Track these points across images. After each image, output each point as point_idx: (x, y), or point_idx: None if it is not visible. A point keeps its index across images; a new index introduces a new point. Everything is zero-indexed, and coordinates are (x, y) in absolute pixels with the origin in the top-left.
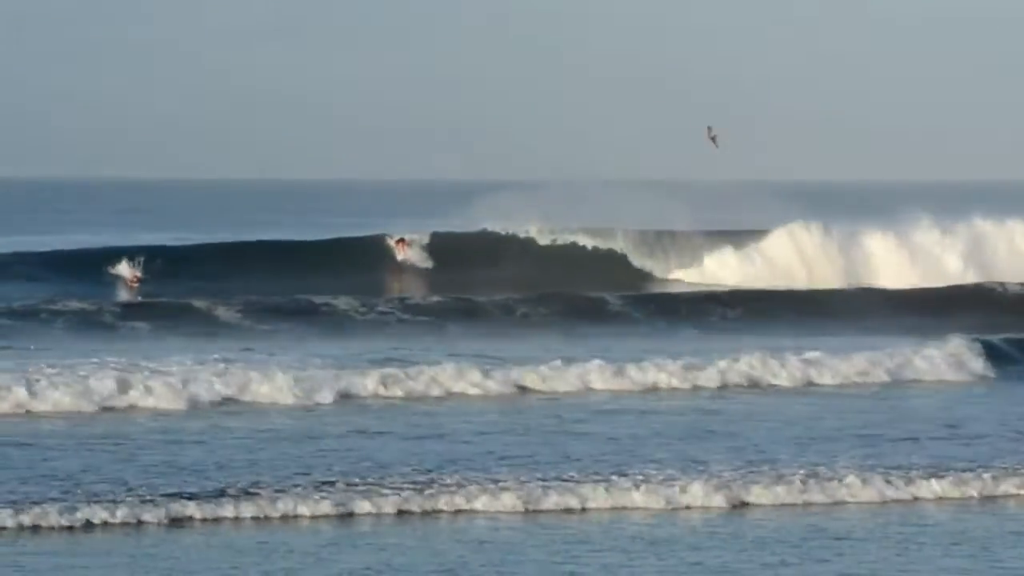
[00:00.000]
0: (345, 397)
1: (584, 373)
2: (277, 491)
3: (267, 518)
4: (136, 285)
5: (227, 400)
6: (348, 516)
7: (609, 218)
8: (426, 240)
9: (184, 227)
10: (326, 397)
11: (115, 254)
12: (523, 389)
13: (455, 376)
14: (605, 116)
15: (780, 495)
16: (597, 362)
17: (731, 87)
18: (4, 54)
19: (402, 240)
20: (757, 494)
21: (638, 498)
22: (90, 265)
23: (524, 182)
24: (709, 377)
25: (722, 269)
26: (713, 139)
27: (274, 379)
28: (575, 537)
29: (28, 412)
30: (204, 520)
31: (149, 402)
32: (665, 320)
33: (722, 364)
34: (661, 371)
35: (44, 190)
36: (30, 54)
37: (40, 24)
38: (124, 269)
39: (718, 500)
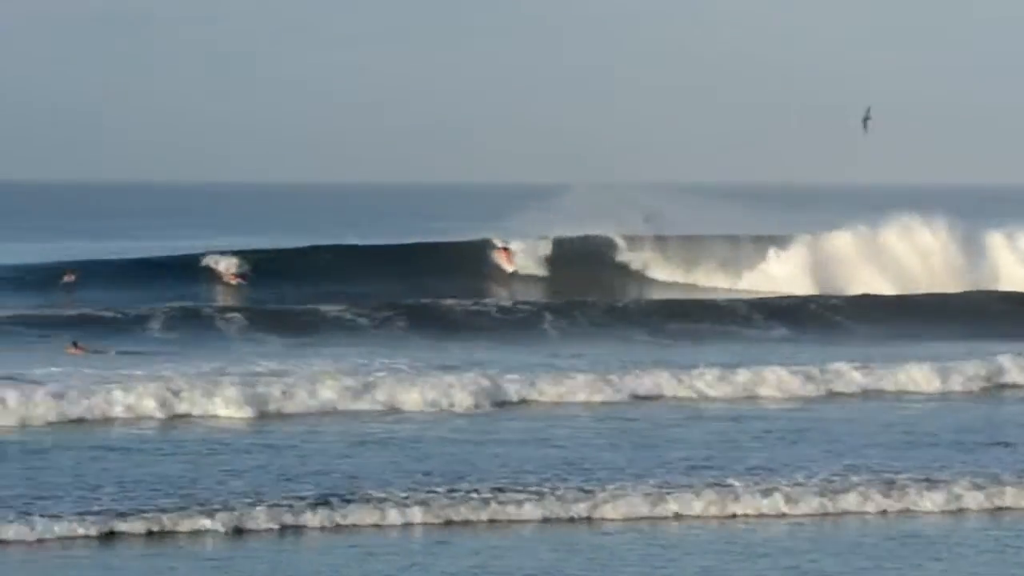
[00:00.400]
0: (473, 402)
1: (692, 378)
2: (381, 497)
3: (369, 524)
4: (236, 281)
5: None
6: (446, 523)
7: (695, 223)
8: (547, 246)
9: (262, 231)
10: (460, 402)
11: (209, 256)
12: (633, 395)
13: (561, 382)
14: (650, 120)
15: (876, 500)
16: (702, 368)
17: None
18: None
19: (506, 249)
20: (852, 500)
21: (735, 503)
22: (188, 268)
23: (565, 185)
24: (818, 384)
25: (833, 269)
26: (866, 121)
27: (410, 385)
28: (671, 542)
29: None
30: (305, 527)
31: (289, 407)
32: (781, 323)
33: (835, 368)
34: (769, 377)
35: (111, 194)
36: (109, 56)
37: (117, 27)
38: (224, 265)
39: (811, 506)
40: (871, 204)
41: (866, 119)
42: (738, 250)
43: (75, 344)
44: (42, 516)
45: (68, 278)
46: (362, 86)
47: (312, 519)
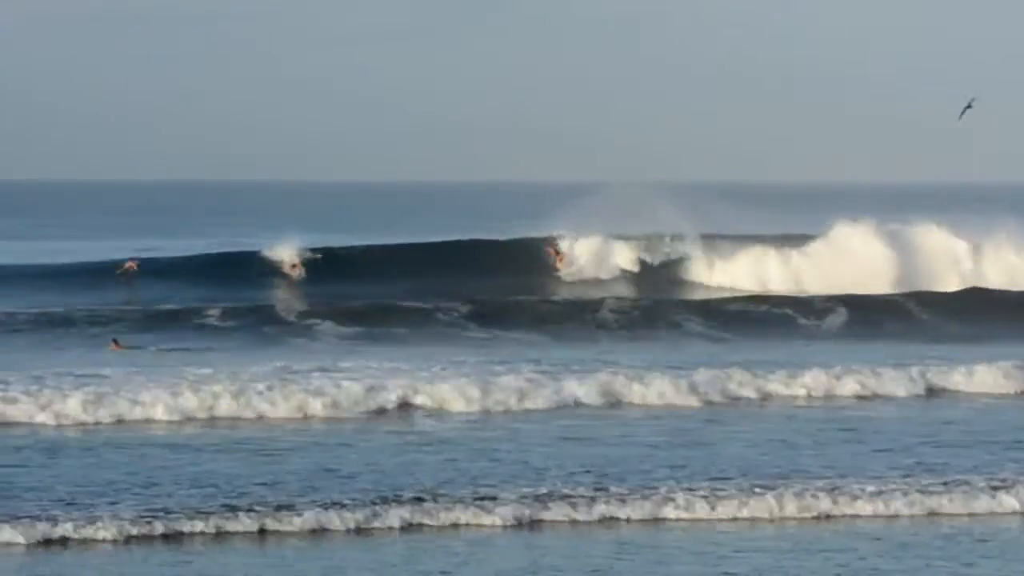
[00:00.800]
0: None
1: (762, 379)
2: (433, 496)
3: (419, 524)
4: (297, 271)
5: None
6: (499, 524)
7: (745, 222)
8: (607, 244)
9: (302, 229)
10: (521, 402)
11: (267, 250)
12: (703, 395)
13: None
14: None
15: (926, 500)
16: (781, 372)
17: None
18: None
19: (557, 251)
20: (904, 500)
21: (788, 506)
22: (246, 264)
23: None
24: (888, 385)
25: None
26: (965, 109)
27: (473, 384)
28: (724, 541)
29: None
30: (353, 530)
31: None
32: (855, 320)
33: (906, 366)
34: (844, 378)
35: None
36: (155, 57)
37: (169, 28)
38: (284, 255)
39: (865, 506)
40: (890, 203)
41: (967, 107)
42: (802, 247)
43: (115, 341)
44: (99, 515)
45: (129, 266)
46: (359, 85)
47: (360, 520)
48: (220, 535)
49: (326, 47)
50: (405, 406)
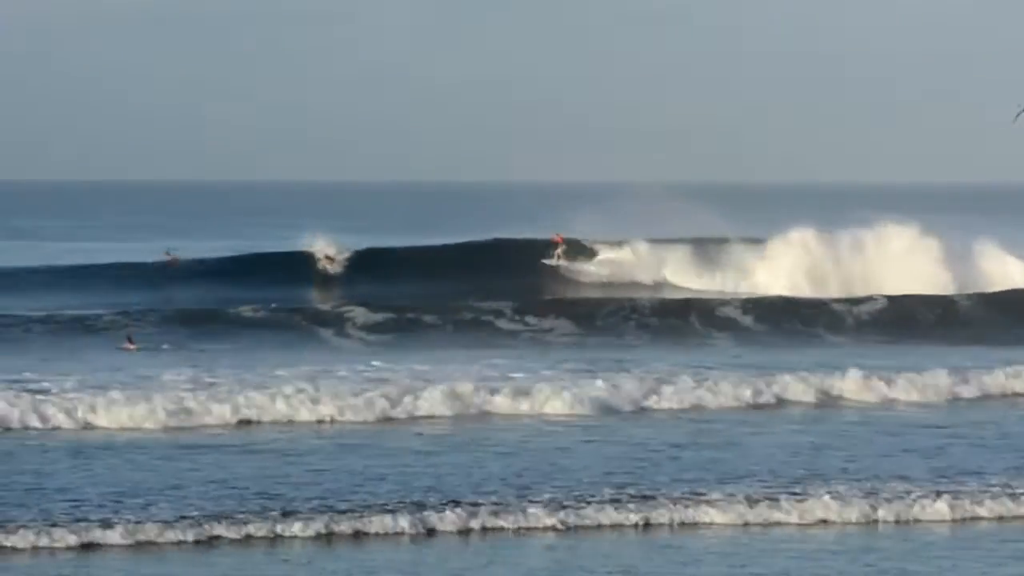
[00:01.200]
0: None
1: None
2: (449, 501)
3: (454, 530)
4: (332, 264)
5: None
6: (526, 527)
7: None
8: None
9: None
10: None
11: (301, 248)
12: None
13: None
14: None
15: (950, 504)
16: (853, 372)
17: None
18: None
19: (563, 240)
20: (925, 503)
21: (817, 508)
22: (275, 265)
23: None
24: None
25: None
26: (1019, 114)
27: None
28: (748, 542)
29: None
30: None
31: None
32: (908, 323)
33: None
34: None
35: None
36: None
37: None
38: (317, 248)
39: (887, 509)
40: (892, 203)
41: (1021, 111)
42: (846, 247)
43: (129, 339)
44: (134, 519)
45: (174, 258)
46: (360, 84)
47: (383, 524)
48: (246, 539)
49: (328, 47)
50: (485, 413)
